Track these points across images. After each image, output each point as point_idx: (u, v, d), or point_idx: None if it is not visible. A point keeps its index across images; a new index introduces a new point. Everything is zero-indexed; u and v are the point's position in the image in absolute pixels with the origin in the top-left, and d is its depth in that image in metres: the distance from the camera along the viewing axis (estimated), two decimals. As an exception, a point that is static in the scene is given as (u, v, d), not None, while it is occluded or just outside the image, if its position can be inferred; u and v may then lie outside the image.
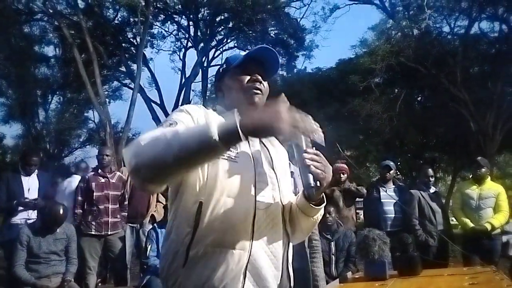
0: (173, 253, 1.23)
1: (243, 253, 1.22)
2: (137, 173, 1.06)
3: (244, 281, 1.21)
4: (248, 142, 1.34)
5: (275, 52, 1.42)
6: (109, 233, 4.66)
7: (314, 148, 1.28)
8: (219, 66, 1.55)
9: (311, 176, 1.24)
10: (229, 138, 1.03)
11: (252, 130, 1.05)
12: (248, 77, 1.39)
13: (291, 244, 1.39)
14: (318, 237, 3.19)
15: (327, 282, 2.78)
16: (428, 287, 2.19)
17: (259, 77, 1.39)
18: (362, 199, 5.44)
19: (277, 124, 1.04)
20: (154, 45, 17.37)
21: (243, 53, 1.49)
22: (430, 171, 5.16)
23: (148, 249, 4.15)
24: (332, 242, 4.42)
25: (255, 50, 1.41)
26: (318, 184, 1.25)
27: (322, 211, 1.39)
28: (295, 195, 1.43)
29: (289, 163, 1.54)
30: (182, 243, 1.22)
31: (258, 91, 1.39)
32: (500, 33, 13.28)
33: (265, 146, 1.41)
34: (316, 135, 1.30)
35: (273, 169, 1.37)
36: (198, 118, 1.28)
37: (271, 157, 1.39)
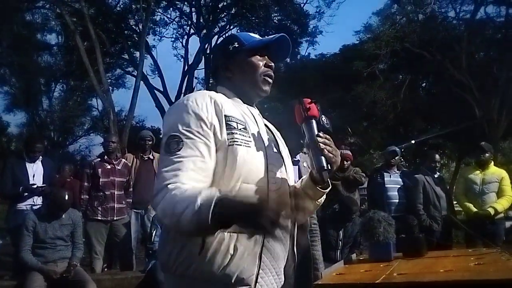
0: (184, 242, 1.21)
1: (258, 237, 1.22)
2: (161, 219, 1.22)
3: (260, 263, 1.21)
4: (258, 125, 1.34)
5: (290, 43, 1.41)
6: (115, 218, 4.70)
7: (322, 132, 1.30)
8: (223, 42, 1.49)
9: (324, 159, 1.26)
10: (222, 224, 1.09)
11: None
12: (263, 63, 1.38)
13: (296, 224, 1.40)
14: (317, 221, 3.20)
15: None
16: (434, 268, 2.18)
17: (273, 65, 1.39)
18: (365, 186, 5.43)
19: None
20: (157, 32, 17.33)
21: (252, 34, 1.44)
22: (437, 156, 5.18)
23: (153, 234, 4.18)
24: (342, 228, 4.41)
25: (276, 38, 1.38)
26: (329, 167, 1.27)
27: (324, 195, 1.42)
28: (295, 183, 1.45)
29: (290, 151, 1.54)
30: None
31: (271, 79, 1.39)
32: (506, 17, 13.09)
33: (269, 129, 1.43)
34: (324, 120, 1.31)
35: (280, 152, 1.38)
36: (208, 118, 1.23)
37: (276, 141, 1.41)
